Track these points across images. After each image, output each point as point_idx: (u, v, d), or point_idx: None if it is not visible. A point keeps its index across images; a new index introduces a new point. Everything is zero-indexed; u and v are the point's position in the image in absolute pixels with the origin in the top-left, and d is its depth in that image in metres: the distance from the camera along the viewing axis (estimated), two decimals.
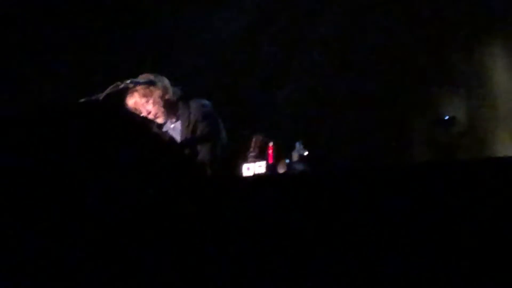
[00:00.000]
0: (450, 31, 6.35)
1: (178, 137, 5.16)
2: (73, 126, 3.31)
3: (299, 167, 4.54)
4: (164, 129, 5.25)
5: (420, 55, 6.40)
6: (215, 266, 3.12)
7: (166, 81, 5.15)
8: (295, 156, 4.59)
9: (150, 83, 5.06)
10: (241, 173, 4.63)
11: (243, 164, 4.66)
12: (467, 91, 6.36)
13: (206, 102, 5.20)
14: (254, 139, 4.71)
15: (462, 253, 2.88)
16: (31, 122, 3.34)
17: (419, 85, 6.39)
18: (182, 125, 5.15)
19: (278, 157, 4.60)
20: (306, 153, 4.61)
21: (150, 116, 5.13)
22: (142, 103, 5.09)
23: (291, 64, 6.69)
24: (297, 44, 6.69)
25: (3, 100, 6.22)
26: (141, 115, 5.11)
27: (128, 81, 4.96)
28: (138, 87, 5.05)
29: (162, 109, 5.12)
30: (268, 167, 4.56)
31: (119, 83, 4.89)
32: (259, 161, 4.59)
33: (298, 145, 4.61)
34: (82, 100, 4.60)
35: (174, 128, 5.22)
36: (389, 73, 6.43)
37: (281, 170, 4.52)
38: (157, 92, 5.09)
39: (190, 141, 5.06)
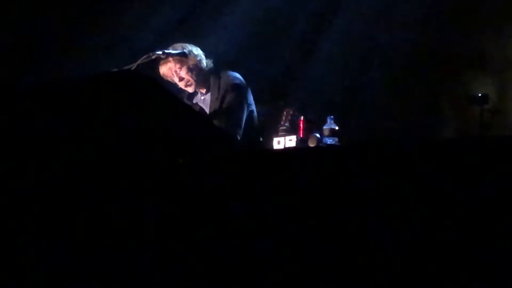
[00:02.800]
0: (480, 12, 6.28)
1: (207, 109, 5.16)
2: (105, 95, 3.31)
3: (330, 141, 4.53)
4: (194, 101, 5.26)
5: (450, 37, 6.35)
6: (243, 239, 3.12)
7: (200, 51, 5.15)
8: (326, 131, 4.57)
9: (183, 54, 5.06)
10: (272, 147, 4.62)
11: (273, 137, 4.65)
12: (497, 71, 6.31)
13: (237, 75, 5.19)
14: (285, 113, 4.70)
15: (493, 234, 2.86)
16: (65, 92, 3.35)
17: (450, 64, 6.34)
18: (212, 97, 5.15)
19: (308, 131, 4.59)
20: (337, 127, 4.59)
21: (182, 84, 5.13)
22: (176, 69, 5.09)
23: (323, 39, 6.66)
24: (329, 22, 6.65)
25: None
26: (173, 82, 5.12)
27: (160, 52, 4.97)
28: (172, 58, 5.06)
29: (195, 78, 5.12)
30: (298, 141, 4.55)
31: (151, 53, 4.90)
32: (289, 135, 4.58)
33: (329, 119, 4.60)
34: (114, 70, 4.60)
35: (204, 101, 5.22)
36: (420, 52, 6.38)
37: (311, 144, 4.51)
38: (192, 60, 5.09)
39: (218, 112, 5.06)
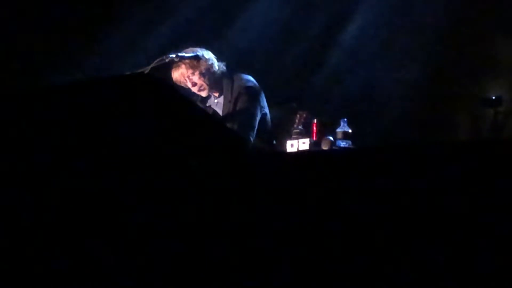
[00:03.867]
0: (493, 16, 6.28)
1: (221, 112, 5.17)
2: (119, 98, 3.33)
3: (343, 144, 4.53)
4: (208, 104, 5.26)
5: (464, 40, 6.34)
6: (255, 241, 3.13)
7: (212, 55, 5.15)
8: (339, 134, 4.58)
9: (196, 57, 5.06)
10: (285, 149, 4.63)
11: (287, 140, 4.66)
12: (510, 74, 6.30)
13: (250, 77, 5.19)
14: (298, 115, 4.70)
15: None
16: (79, 94, 3.37)
17: (464, 67, 6.33)
18: (225, 99, 5.15)
19: (322, 134, 4.60)
20: (350, 130, 4.59)
21: (195, 88, 5.14)
22: (188, 74, 5.09)
23: (337, 41, 6.66)
24: (343, 25, 6.66)
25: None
26: (186, 87, 5.13)
27: (173, 55, 4.97)
28: (184, 61, 5.06)
29: (207, 82, 5.12)
30: (312, 144, 4.56)
31: (164, 57, 4.90)
32: (303, 137, 4.59)
33: (342, 122, 4.60)
34: (128, 73, 4.61)
35: (218, 104, 5.22)
36: (434, 55, 6.38)
37: (325, 147, 4.51)
38: (204, 65, 5.09)
39: (231, 115, 5.06)
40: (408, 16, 6.46)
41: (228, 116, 5.07)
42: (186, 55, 5.05)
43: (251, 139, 4.95)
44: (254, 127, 5.02)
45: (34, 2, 6.52)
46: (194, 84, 5.12)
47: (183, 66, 5.07)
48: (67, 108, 3.33)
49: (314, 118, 4.66)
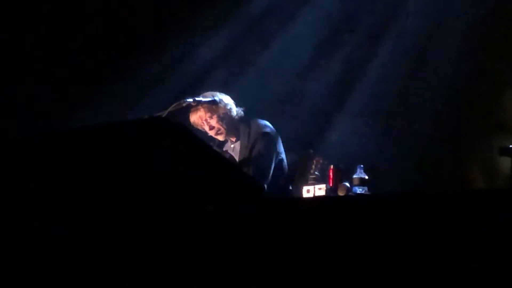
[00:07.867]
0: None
1: (237, 157, 5.17)
2: (137, 142, 3.33)
3: (360, 190, 4.52)
4: (224, 149, 5.26)
5: (481, 91, 6.35)
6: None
7: (230, 100, 5.17)
8: (355, 180, 4.56)
9: (214, 102, 5.07)
10: (301, 195, 4.62)
11: (303, 186, 4.65)
12: None
13: (267, 123, 5.20)
14: (314, 161, 4.70)
15: None
16: (98, 138, 3.38)
17: (482, 116, 6.32)
18: (242, 144, 5.16)
19: (338, 180, 4.58)
20: (366, 177, 4.58)
21: (212, 132, 5.14)
22: (206, 118, 5.10)
23: (354, 89, 6.68)
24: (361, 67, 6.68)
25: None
26: (203, 130, 5.13)
27: (191, 99, 4.99)
28: (203, 105, 5.07)
29: (225, 126, 5.13)
30: (328, 190, 4.54)
31: (182, 101, 4.92)
32: (319, 183, 4.58)
33: (359, 168, 4.59)
34: (146, 116, 4.63)
35: (234, 149, 5.23)
36: (451, 105, 6.39)
37: (341, 193, 4.50)
38: (222, 109, 5.11)
39: (246, 160, 5.06)
40: (423, 70, 6.48)
41: (244, 161, 5.07)
42: (204, 99, 5.06)
43: (265, 185, 4.94)
44: (269, 173, 5.02)
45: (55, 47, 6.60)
46: (212, 128, 5.13)
47: (201, 109, 5.09)
48: (85, 152, 3.34)
49: (331, 164, 4.66)
